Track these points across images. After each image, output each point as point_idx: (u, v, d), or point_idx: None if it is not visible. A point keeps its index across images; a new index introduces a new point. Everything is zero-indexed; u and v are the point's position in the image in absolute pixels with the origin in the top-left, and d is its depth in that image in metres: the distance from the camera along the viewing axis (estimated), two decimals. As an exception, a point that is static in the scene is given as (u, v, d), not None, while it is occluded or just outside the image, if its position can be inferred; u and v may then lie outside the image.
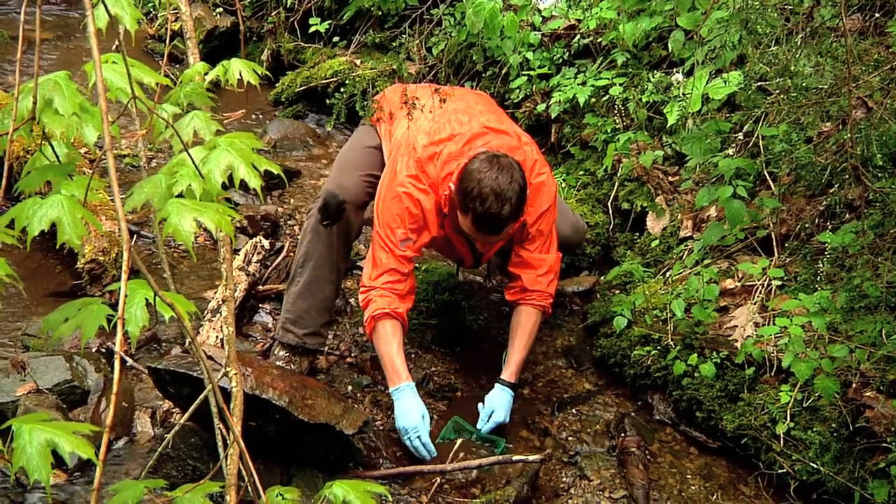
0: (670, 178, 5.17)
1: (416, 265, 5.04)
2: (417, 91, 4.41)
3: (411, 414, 3.99)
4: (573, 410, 4.41)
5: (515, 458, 3.90)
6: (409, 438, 3.97)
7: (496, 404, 4.15)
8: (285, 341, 4.40)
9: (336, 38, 7.40)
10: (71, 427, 1.65)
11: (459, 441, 4.01)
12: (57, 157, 2.01)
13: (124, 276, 1.70)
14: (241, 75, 2.34)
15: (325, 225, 4.29)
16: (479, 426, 4.13)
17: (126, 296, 1.71)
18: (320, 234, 4.31)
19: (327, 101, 6.97)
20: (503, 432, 4.17)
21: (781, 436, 3.81)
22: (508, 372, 4.23)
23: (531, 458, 3.89)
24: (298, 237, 4.63)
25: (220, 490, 2.12)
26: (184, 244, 1.78)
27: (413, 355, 4.53)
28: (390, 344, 4.08)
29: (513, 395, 4.20)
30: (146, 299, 1.82)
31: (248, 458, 1.93)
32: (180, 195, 1.85)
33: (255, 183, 1.92)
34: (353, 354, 4.67)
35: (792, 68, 3.93)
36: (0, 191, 1.86)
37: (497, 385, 4.22)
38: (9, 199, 4.24)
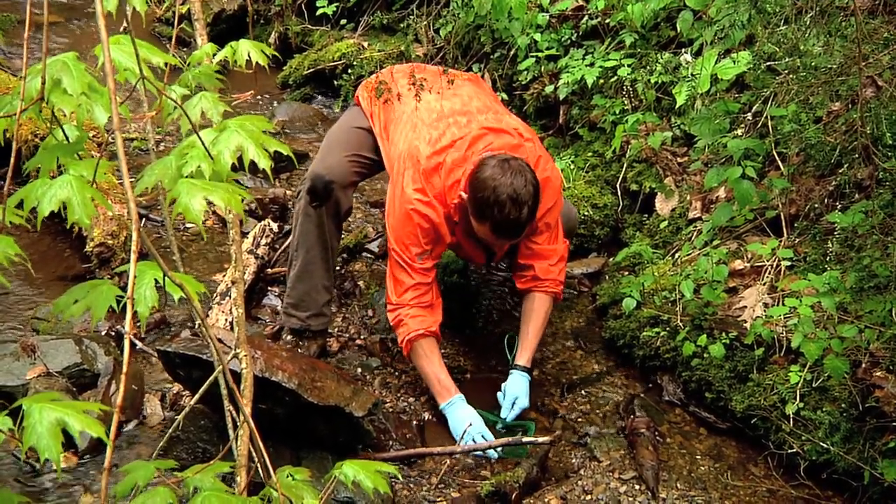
0: (679, 159, 5.16)
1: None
2: (412, 73, 4.44)
3: (465, 422, 4.00)
4: (582, 392, 4.41)
5: (525, 439, 3.90)
6: (471, 440, 3.98)
7: (518, 391, 4.16)
8: (290, 325, 4.44)
9: (343, 21, 7.40)
10: (81, 406, 1.66)
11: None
12: (67, 137, 2.01)
13: (133, 257, 1.70)
14: (249, 56, 2.34)
15: (315, 206, 4.29)
16: (503, 415, 4.14)
17: (135, 276, 1.71)
18: (310, 215, 4.31)
19: (335, 84, 6.99)
20: (524, 416, 4.17)
21: (791, 416, 3.80)
22: (525, 357, 4.23)
23: (541, 439, 3.90)
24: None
25: (230, 470, 2.13)
26: (193, 227, 1.78)
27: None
28: (431, 362, 4.10)
29: (529, 380, 4.21)
30: (155, 280, 1.82)
31: (258, 439, 1.94)
32: (190, 176, 1.84)
33: (264, 164, 1.92)
34: (362, 337, 4.67)
35: (801, 48, 3.92)
36: (9, 171, 1.85)
37: (514, 371, 4.21)
38: (15, 181, 4.25)
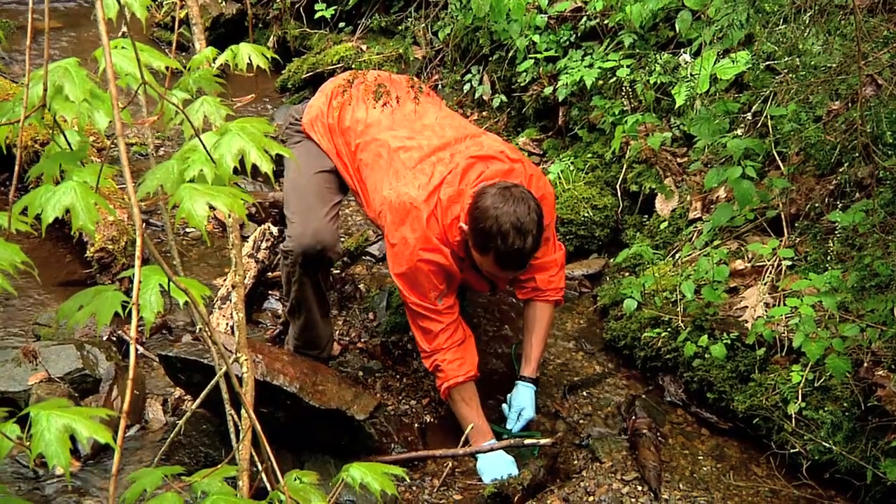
0: (679, 160, 5.16)
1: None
2: (363, 85, 4.30)
3: (500, 467, 3.96)
4: (584, 393, 4.42)
5: (527, 441, 3.90)
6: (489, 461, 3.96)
7: (524, 402, 4.13)
8: None
9: (342, 24, 7.40)
10: (88, 412, 1.66)
11: (471, 427, 4.02)
12: (69, 144, 2.01)
13: (138, 263, 1.70)
14: (250, 59, 2.34)
15: (310, 274, 4.17)
16: (508, 426, 4.13)
17: (140, 282, 1.71)
18: (305, 283, 4.18)
19: (334, 87, 6.97)
20: (530, 426, 4.17)
21: (793, 416, 3.80)
22: (530, 368, 4.20)
23: (542, 441, 3.90)
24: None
25: (237, 474, 2.13)
26: (194, 232, 1.78)
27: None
28: (470, 409, 4.04)
29: (535, 391, 4.19)
30: (160, 285, 1.82)
31: (264, 442, 1.94)
32: (192, 180, 1.84)
33: (266, 167, 1.91)
34: (363, 340, 4.68)
35: (800, 47, 3.92)
36: (14, 178, 1.85)
37: (520, 383, 4.19)
38: (17, 189, 4.24)
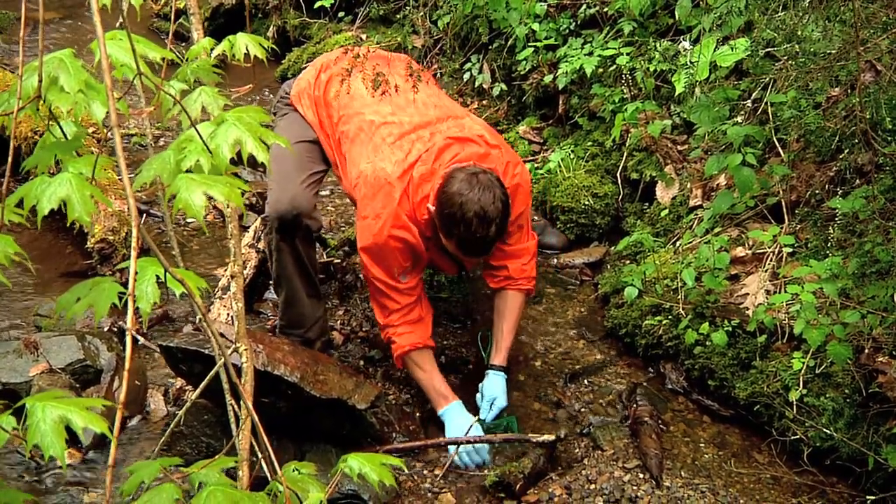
0: (679, 147, 5.15)
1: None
2: (342, 61, 4.36)
3: (462, 428, 3.97)
4: (585, 381, 4.41)
5: (532, 437, 3.89)
6: (464, 451, 3.95)
7: (496, 391, 4.14)
8: None
9: (341, 14, 7.39)
10: (84, 403, 1.66)
11: (475, 419, 4.02)
12: (65, 135, 2.01)
13: (133, 254, 1.70)
14: (247, 49, 2.33)
15: (287, 241, 4.20)
16: (482, 416, 4.11)
17: (136, 273, 1.70)
18: (283, 249, 4.21)
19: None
20: (502, 415, 4.15)
21: (794, 402, 3.80)
22: (500, 356, 4.22)
23: (544, 437, 3.88)
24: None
25: (235, 465, 2.13)
26: (194, 222, 1.78)
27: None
28: (424, 371, 4.08)
29: (506, 378, 4.20)
30: (157, 276, 1.82)
31: (262, 432, 1.93)
32: (189, 171, 1.84)
33: (263, 157, 1.91)
34: (364, 329, 4.68)
35: (799, 33, 3.91)
36: (7, 169, 1.85)
37: (490, 372, 4.20)
38: (15, 179, 4.25)
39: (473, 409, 4.11)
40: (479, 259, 4.13)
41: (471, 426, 3.95)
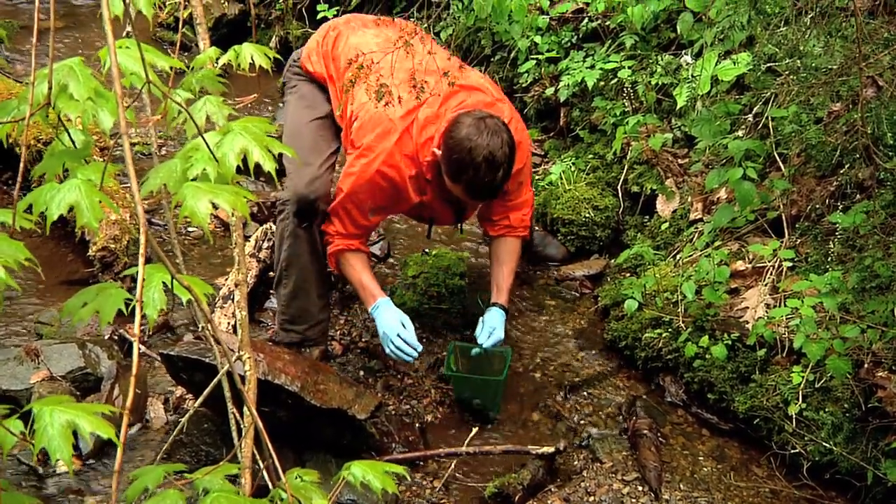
0: (680, 161, 5.16)
1: (426, 250, 5.05)
2: (352, 22, 4.48)
3: (390, 321, 4.06)
4: (585, 393, 4.42)
5: (532, 449, 3.90)
6: (390, 341, 4.06)
7: (495, 323, 4.22)
8: (287, 341, 4.35)
9: (344, 24, 7.39)
10: (91, 408, 1.67)
11: (474, 430, 4.04)
12: (73, 143, 2.02)
13: (141, 260, 1.71)
14: (252, 59, 2.35)
15: (304, 227, 4.21)
16: (479, 341, 4.22)
17: (144, 279, 1.71)
18: (300, 237, 4.22)
19: (336, 87, 6.97)
20: (499, 346, 4.26)
21: (794, 416, 3.81)
22: (503, 297, 4.32)
23: (544, 449, 3.88)
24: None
25: (238, 473, 2.14)
26: (195, 231, 1.79)
27: (425, 340, 4.51)
28: (356, 270, 4.19)
29: (505, 317, 4.30)
30: (163, 283, 1.83)
31: (266, 439, 1.94)
32: (195, 179, 1.85)
33: (269, 166, 1.93)
34: (364, 340, 4.68)
35: (801, 48, 3.92)
36: (19, 176, 1.86)
37: (493, 307, 4.28)
38: (13, 186, 4.25)
39: (472, 340, 4.27)
40: (480, 205, 4.24)
41: (400, 321, 4.07)
